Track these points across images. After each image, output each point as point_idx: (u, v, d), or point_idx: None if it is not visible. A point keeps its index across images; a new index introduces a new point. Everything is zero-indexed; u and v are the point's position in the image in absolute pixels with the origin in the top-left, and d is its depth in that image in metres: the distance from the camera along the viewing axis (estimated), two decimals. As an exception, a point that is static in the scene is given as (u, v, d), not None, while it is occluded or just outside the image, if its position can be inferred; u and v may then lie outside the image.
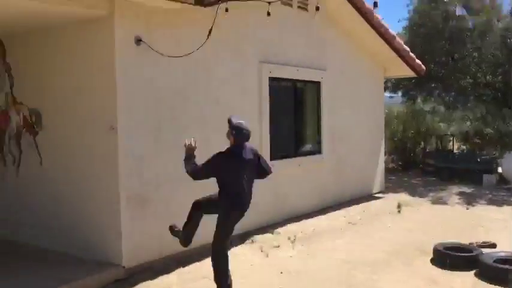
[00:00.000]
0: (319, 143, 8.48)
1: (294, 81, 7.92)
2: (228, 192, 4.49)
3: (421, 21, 15.08)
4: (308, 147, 8.39)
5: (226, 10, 5.10)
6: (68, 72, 5.62)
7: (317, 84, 8.38)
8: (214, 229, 4.53)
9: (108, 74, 5.12)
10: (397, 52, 9.58)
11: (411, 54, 10.00)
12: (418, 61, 10.29)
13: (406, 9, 16.45)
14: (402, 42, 9.82)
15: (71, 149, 5.66)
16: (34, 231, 6.09)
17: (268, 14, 5.10)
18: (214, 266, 4.56)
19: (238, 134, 4.54)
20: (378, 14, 8.77)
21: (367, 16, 8.46)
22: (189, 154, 4.56)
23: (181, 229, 4.87)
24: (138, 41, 5.23)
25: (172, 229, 4.96)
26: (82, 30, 5.39)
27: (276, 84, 7.39)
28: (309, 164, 8.17)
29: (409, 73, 10.65)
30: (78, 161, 5.57)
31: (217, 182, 4.54)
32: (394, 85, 16.20)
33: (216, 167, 4.49)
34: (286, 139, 7.80)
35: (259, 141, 6.95)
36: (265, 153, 7.01)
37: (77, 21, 5.32)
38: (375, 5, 4.80)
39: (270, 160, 7.11)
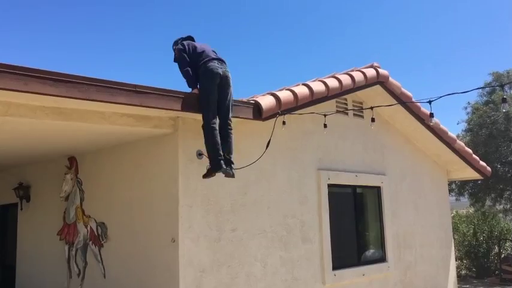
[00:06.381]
0: (383, 250, 8.14)
1: (354, 187, 7.84)
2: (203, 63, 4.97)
3: (481, 122, 14.88)
4: (372, 255, 8.04)
5: (284, 123, 5.29)
6: (132, 186, 5.89)
7: (377, 189, 8.25)
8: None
9: (171, 187, 5.31)
10: (459, 154, 9.38)
11: (474, 156, 9.74)
12: (482, 163, 9.97)
13: (464, 111, 16.37)
14: (464, 145, 9.64)
15: (134, 261, 5.74)
16: None
17: (325, 126, 5.25)
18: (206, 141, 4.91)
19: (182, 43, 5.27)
20: (437, 119, 8.75)
21: (424, 121, 8.45)
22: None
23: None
24: (200, 154, 5.43)
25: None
26: (147, 146, 5.72)
27: (335, 191, 7.33)
28: (374, 273, 7.78)
29: (473, 175, 10.30)
30: (140, 272, 5.61)
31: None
32: (459, 187, 15.65)
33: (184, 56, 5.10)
34: (348, 247, 7.54)
35: (320, 250, 6.77)
36: (326, 261, 6.79)
37: (142, 138, 5.67)
38: (431, 115, 4.83)
39: (332, 270, 6.86)
